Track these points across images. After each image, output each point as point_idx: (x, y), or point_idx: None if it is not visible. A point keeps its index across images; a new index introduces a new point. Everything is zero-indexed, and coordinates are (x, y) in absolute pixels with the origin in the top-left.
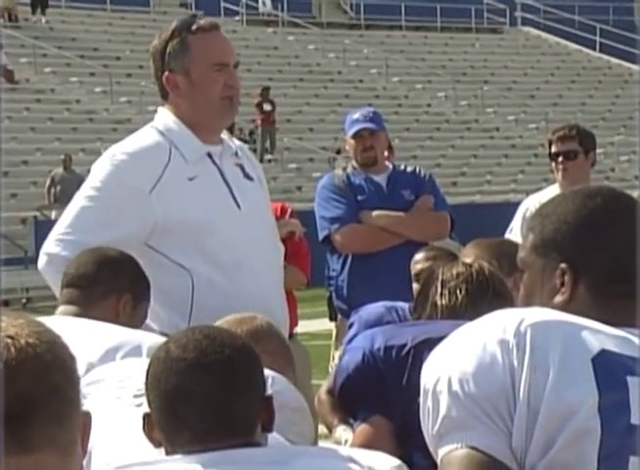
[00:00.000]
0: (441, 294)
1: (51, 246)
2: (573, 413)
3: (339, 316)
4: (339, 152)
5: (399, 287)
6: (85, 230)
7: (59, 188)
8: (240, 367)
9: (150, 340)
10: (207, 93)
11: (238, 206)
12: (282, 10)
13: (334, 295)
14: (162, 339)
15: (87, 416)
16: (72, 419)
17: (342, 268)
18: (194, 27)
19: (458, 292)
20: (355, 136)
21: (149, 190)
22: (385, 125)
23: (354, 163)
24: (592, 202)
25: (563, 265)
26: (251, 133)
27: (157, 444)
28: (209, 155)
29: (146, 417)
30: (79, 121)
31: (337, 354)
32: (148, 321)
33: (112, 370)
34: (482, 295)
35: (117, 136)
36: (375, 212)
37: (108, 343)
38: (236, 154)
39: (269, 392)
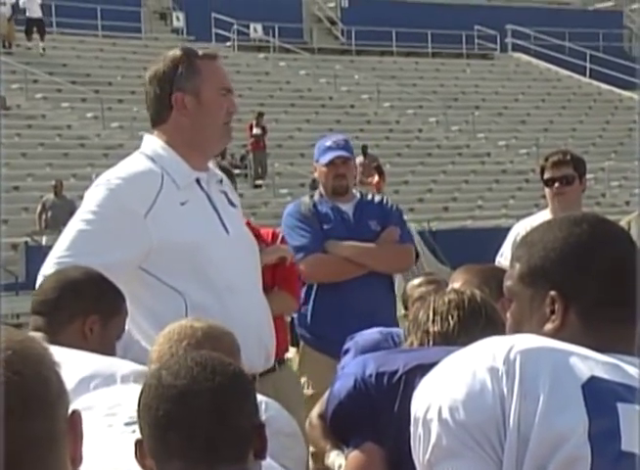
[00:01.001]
0: (433, 321)
1: (49, 268)
2: (564, 440)
3: (301, 343)
4: (314, 181)
5: (364, 317)
6: (84, 253)
7: (50, 214)
8: (231, 395)
9: (124, 368)
10: (214, 115)
11: (226, 230)
12: (273, 36)
13: (296, 322)
14: (136, 366)
15: (76, 415)
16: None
17: (308, 297)
18: (201, 53)
19: (450, 318)
20: (328, 164)
21: (144, 214)
22: (354, 153)
23: (322, 190)
24: (579, 228)
25: (552, 293)
26: (243, 158)
27: (148, 469)
28: (198, 181)
29: (138, 444)
30: (70, 147)
31: (302, 380)
32: (144, 344)
33: (101, 397)
34: (475, 321)
35: (109, 162)
36: (340, 243)
37: (80, 372)
38: (221, 181)
39: (262, 417)
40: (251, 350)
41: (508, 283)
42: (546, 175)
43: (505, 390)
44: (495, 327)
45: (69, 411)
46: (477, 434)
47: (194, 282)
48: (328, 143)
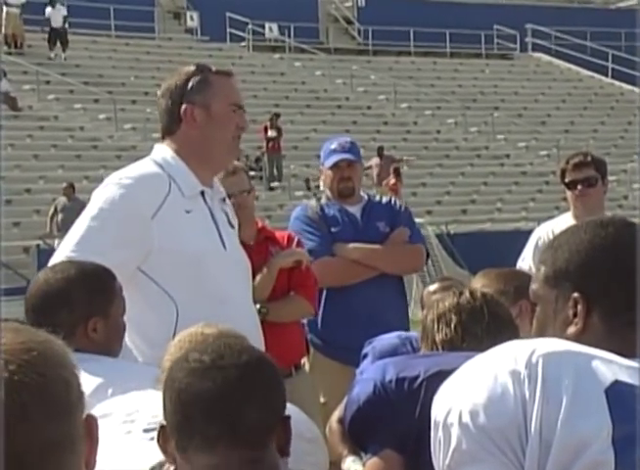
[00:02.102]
0: (438, 328)
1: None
2: (587, 446)
3: (311, 349)
4: (307, 181)
5: (374, 320)
6: (93, 251)
7: (62, 216)
8: (256, 375)
9: (141, 375)
10: (223, 129)
11: (224, 246)
12: (289, 35)
13: (306, 328)
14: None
15: (92, 419)
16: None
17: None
18: (214, 69)
19: (451, 323)
20: (333, 167)
21: (151, 216)
22: (361, 156)
23: (329, 193)
24: (604, 231)
25: (575, 295)
26: (258, 160)
27: (171, 459)
28: (202, 195)
29: (161, 430)
30: (83, 149)
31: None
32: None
33: (119, 404)
34: (476, 321)
35: (122, 163)
36: (349, 245)
37: (97, 378)
38: (224, 200)
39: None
40: None
41: (533, 286)
42: (568, 178)
43: (527, 394)
44: (500, 322)
45: (85, 415)
46: (498, 438)
47: (188, 290)
48: (333, 146)
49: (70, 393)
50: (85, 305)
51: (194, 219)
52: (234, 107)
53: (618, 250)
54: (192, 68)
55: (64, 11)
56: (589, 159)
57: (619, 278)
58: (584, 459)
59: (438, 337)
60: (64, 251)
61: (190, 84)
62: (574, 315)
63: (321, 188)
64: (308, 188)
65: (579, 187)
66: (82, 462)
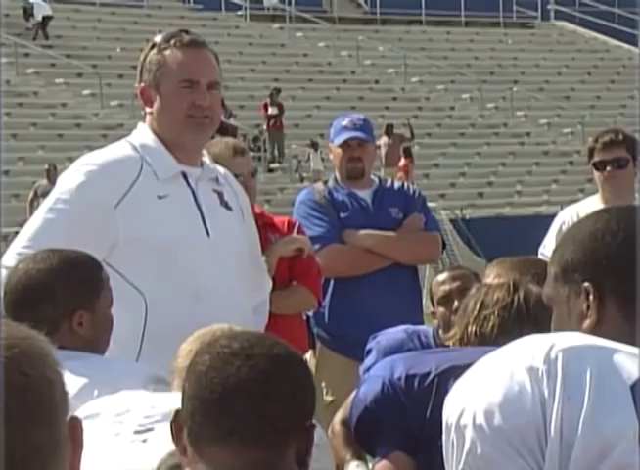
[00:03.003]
0: (476, 318)
1: (11, 260)
2: (611, 447)
3: (318, 344)
4: (299, 162)
5: (385, 314)
6: (47, 245)
7: (42, 201)
8: (286, 371)
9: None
10: (172, 109)
11: (207, 232)
12: (289, 3)
13: (312, 321)
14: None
15: (76, 422)
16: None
17: (324, 293)
18: (172, 41)
19: (492, 318)
20: (342, 145)
21: (114, 204)
22: (374, 135)
23: (337, 175)
24: (607, 215)
25: (586, 284)
26: (256, 139)
27: (182, 448)
28: (185, 176)
29: (174, 423)
30: (65, 127)
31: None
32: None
33: (108, 404)
34: (519, 325)
35: (107, 143)
36: (360, 232)
37: (82, 378)
38: (217, 180)
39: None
40: None
41: (545, 289)
42: (596, 158)
43: (546, 391)
44: (541, 328)
45: (69, 417)
46: (515, 440)
47: (157, 283)
48: (344, 122)
49: (55, 393)
50: (70, 297)
51: (168, 205)
52: (186, 83)
53: (624, 235)
54: (153, 40)
55: None
56: (620, 137)
57: (627, 264)
58: (609, 462)
59: (472, 327)
60: (16, 246)
61: (145, 62)
62: (588, 308)
63: (312, 167)
64: (296, 170)
65: (608, 168)
66: (66, 467)
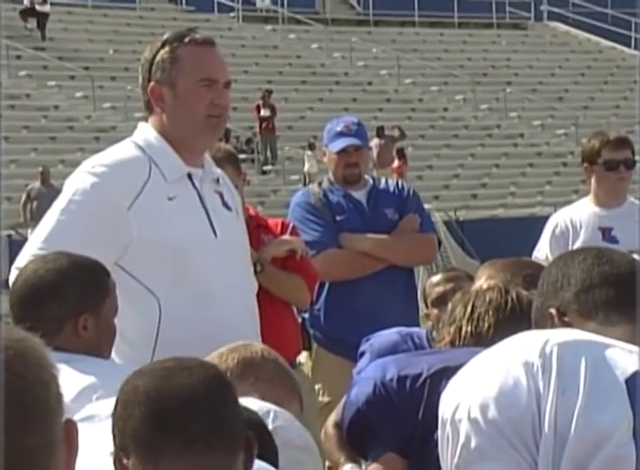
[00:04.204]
0: (469, 319)
1: (25, 262)
2: (606, 439)
3: (314, 345)
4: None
5: (381, 316)
6: (62, 248)
7: (35, 204)
8: (221, 387)
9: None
10: (191, 108)
11: (214, 233)
12: (282, 5)
13: (308, 322)
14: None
15: (71, 424)
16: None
17: (319, 295)
18: (186, 39)
19: (487, 318)
20: (340, 152)
21: (127, 206)
22: (368, 137)
23: (331, 177)
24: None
25: (552, 311)
26: (249, 142)
27: None
28: (190, 177)
29: (117, 462)
30: (58, 130)
31: (316, 387)
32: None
33: (104, 406)
34: (513, 326)
35: (100, 146)
36: (357, 236)
37: (82, 381)
38: (217, 181)
39: (269, 427)
40: None
41: None
42: (606, 157)
43: (541, 385)
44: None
45: (64, 419)
46: (509, 433)
47: (170, 285)
48: (339, 127)
49: (50, 396)
50: (77, 299)
51: (178, 206)
52: (205, 82)
53: (569, 260)
54: (163, 38)
55: None
56: (627, 137)
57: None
58: (603, 454)
59: (467, 328)
60: (30, 248)
61: (157, 60)
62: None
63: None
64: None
65: (621, 168)
66: (61, 469)
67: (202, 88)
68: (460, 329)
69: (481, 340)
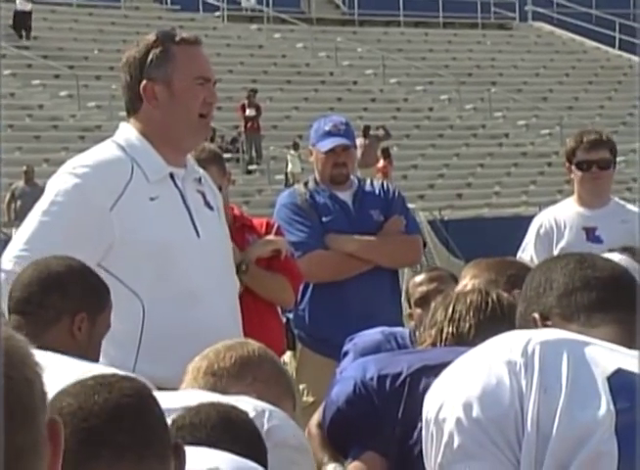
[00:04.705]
0: (450, 320)
1: (8, 263)
2: (588, 436)
3: (298, 345)
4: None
5: (366, 316)
6: (45, 249)
7: (20, 203)
8: (146, 398)
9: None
10: (187, 106)
11: (197, 233)
12: (267, 4)
13: (292, 323)
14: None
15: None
16: None
17: (303, 296)
18: (177, 38)
19: (467, 320)
20: (328, 152)
21: (110, 207)
22: (355, 137)
23: (317, 176)
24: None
25: (535, 315)
26: (234, 141)
27: None
28: (172, 176)
29: None
30: (42, 129)
31: (301, 387)
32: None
33: None
34: (494, 326)
35: (85, 145)
36: (342, 237)
37: (65, 380)
38: (199, 180)
39: (264, 427)
40: None
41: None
42: (580, 157)
43: (523, 383)
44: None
45: (47, 418)
46: (492, 431)
47: (154, 285)
48: (327, 127)
49: (34, 394)
50: (79, 296)
51: (160, 207)
52: (200, 80)
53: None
54: (152, 37)
55: None
56: (605, 138)
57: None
58: (585, 451)
59: (448, 329)
60: (12, 250)
61: (149, 57)
62: None
63: (290, 169)
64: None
65: (594, 169)
66: (46, 468)
67: (197, 86)
68: (441, 331)
69: (463, 341)
